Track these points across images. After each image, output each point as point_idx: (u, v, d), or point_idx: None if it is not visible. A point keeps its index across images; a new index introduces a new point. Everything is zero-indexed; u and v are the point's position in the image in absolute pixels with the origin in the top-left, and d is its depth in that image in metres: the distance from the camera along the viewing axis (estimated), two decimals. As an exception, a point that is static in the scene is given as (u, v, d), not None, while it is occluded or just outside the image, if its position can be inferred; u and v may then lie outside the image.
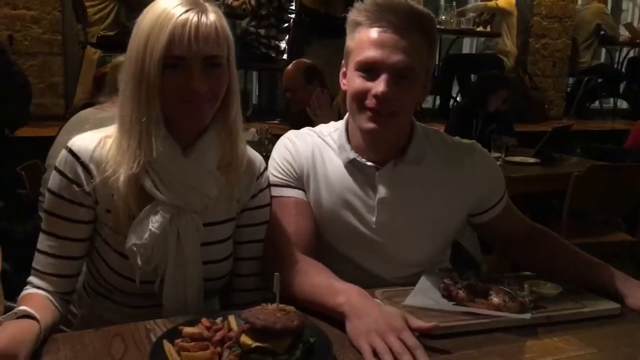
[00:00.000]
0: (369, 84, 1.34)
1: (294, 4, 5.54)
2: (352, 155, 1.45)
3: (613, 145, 4.69)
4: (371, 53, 1.33)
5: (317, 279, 1.30)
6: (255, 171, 1.38)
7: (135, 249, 1.21)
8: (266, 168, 1.41)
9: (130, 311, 1.31)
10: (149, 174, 1.22)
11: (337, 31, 5.75)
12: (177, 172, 1.24)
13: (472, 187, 1.49)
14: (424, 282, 1.37)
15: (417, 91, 1.40)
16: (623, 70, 7.47)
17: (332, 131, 1.52)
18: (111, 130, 1.26)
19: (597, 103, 7.54)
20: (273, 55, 5.53)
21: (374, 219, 1.44)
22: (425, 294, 1.32)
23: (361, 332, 1.11)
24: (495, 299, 1.26)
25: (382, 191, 1.44)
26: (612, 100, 7.66)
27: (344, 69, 1.45)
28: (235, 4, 5.57)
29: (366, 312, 1.15)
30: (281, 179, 1.47)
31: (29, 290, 1.24)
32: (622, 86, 7.46)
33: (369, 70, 1.34)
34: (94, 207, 1.25)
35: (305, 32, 5.20)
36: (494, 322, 1.22)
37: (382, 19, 1.34)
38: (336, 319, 1.19)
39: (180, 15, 1.16)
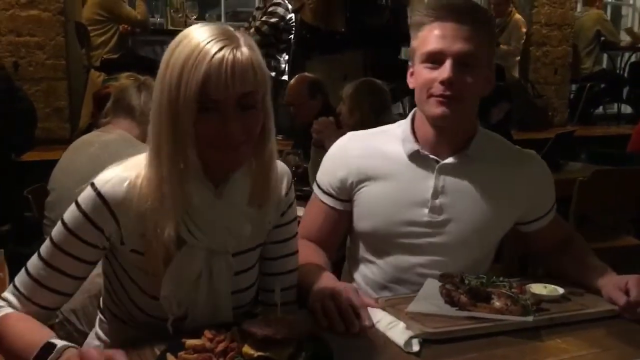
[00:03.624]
0: (435, 73, 1.43)
1: (293, 22, 5.59)
2: (417, 146, 1.51)
3: (618, 150, 4.68)
4: (435, 45, 1.43)
5: (302, 270, 1.43)
6: (284, 190, 1.34)
7: (172, 297, 1.18)
8: (293, 182, 1.39)
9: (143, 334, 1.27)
10: (185, 221, 1.17)
11: (337, 46, 5.79)
12: (211, 216, 1.19)
13: (527, 195, 1.54)
14: (426, 289, 1.38)
15: (481, 81, 1.47)
16: (625, 75, 7.46)
17: (395, 127, 1.61)
18: (139, 169, 1.18)
19: (600, 109, 7.53)
20: (272, 74, 5.58)
21: (426, 210, 1.49)
22: (427, 300, 1.32)
23: (317, 299, 1.28)
24: (497, 303, 1.27)
25: (440, 182, 1.50)
26: (615, 105, 7.64)
27: (411, 70, 1.53)
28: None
29: (322, 285, 1.33)
30: (324, 183, 1.60)
31: (7, 310, 1.17)
32: (625, 91, 7.45)
33: (434, 60, 1.43)
34: (107, 249, 1.20)
35: (306, 48, 5.25)
36: (497, 326, 1.22)
37: (443, 13, 1.44)
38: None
39: (215, 54, 1.09)
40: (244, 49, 1.12)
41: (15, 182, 3.04)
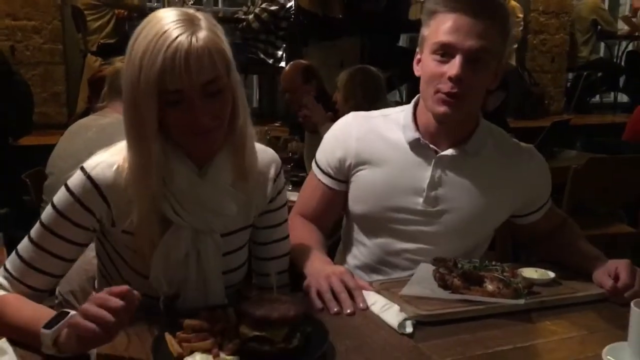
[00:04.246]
0: (444, 67, 1.39)
1: (293, 9, 5.58)
2: (417, 135, 1.51)
3: (614, 138, 4.70)
4: (447, 37, 1.38)
5: (297, 249, 1.46)
6: (271, 175, 1.36)
7: (161, 276, 1.21)
8: (282, 168, 1.40)
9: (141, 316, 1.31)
10: (168, 200, 1.19)
11: (334, 33, 5.77)
12: (195, 196, 1.21)
13: (523, 190, 1.54)
14: (420, 272, 1.40)
15: (489, 75, 1.45)
16: (622, 64, 7.47)
17: (398, 111, 1.59)
18: (125, 153, 1.20)
19: (597, 97, 7.55)
20: (270, 62, 5.58)
21: (421, 200, 1.49)
22: (421, 283, 1.34)
23: (312, 282, 1.31)
24: (489, 286, 1.29)
25: (437, 173, 1.49)
26: (612, 94, 7.66)
27: (418, 56, 1.50)
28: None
29: (318, 269, 1.36)
30: (322, 162, 1.60)
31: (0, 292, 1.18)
32: (622, 80, 7.46)
33: (444, 53, 1.39)
34: (97, 230, 1.23)
35: (303, 34, 5.24)
36: (489, 308, 1.25)
37: (460, 5, 1.39)
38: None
39: (170, 44, 1.09)
40: (202, 34, 1.11)
41: (13, 166, 3.05)
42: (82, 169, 1.20)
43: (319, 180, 1.60)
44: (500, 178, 1.52)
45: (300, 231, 1.54)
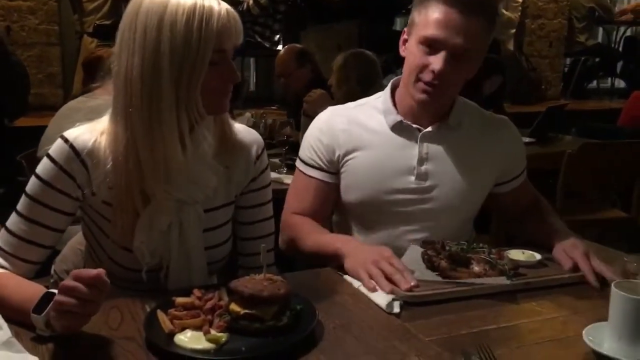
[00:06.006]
0: (429, 59, 1.44)
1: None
2: (399, 117, 1.56)
3: (610, 124, 4.71)
4: (435, 32, 1.42)
5: (316, 236, 1.51)
6: (252, 154, 1.39)
7: (144, 246, 1.24)
8: (264, 149, 1.43)
9: (134, 294, 1.33)
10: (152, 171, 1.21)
11: (332, 16, 5.75)
12: (177, 167, 1.22)
13: (503, 156, 1.62)
14: (409, 255, 1.42)
15: (471, 69, 1.52)
16: (620, 49, 7.45)
17: (374, 98, 1.64)
18: (103, 127, 1.24)
19: (594, 83, 7.54)
20: (267, 45, 5.56)
21: (413, 177, 1.54)
22: (410, 265, 1.36)
23: (359, 265, 1.32)
24: (476, 268, 1.32)
25: (424, 148, 1.55)
26: (609, 79, 7.65)
27: (404, 37, 1.54)
28: None
29: (360, 250, 1.38)
30: (310, 158, 1.60)
31: None
32: (619, 65, 7.45)
33: (430, 45, 1.44)
34: (80, 200, 1.25)
35: (301, 17, 5.23)
36: (475, 290, 1.27)
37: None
38: (337, 262, 1.40)
39: (217, 8, 1.17)
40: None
41: (9, 147, 3.05)
42: (63, 137, 1.24)
43: (309, 176, 1.60)
44: (481, 147, 1.59)
45: (308, 224, 1.55)
